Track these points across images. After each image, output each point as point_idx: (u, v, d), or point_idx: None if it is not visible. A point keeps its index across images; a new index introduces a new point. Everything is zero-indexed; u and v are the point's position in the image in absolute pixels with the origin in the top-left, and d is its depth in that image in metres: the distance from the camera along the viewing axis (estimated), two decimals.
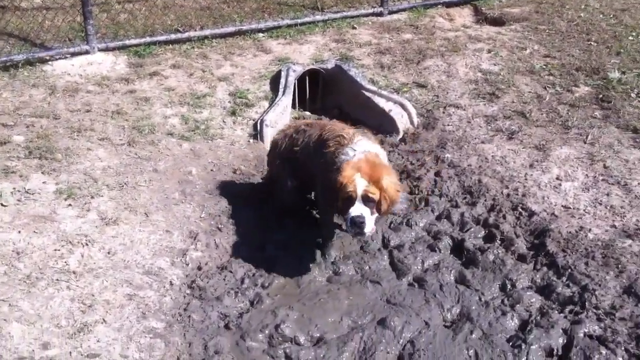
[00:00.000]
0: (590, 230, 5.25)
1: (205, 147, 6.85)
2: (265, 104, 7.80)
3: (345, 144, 4.70)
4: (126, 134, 6.66)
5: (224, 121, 7.42)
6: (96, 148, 6.27)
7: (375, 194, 4.40)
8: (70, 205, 5.27)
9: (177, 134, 6.92)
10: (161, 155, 6.44)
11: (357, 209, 4.43)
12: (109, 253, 4.81)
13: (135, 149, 6.43)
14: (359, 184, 4.40)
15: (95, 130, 6.59)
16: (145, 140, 6.64)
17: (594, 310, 4.38)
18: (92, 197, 5.43)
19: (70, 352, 3.85)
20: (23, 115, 6.65)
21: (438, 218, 5.73)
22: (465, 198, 5.99)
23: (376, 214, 4.55)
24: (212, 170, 6.47)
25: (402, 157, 6.86)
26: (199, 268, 4.92)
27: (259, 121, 7.44)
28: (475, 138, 7.06)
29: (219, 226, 5.49)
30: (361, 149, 4.61)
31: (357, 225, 4.44)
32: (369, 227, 4.49)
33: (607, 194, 5.73)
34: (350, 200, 4.45)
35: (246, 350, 4.17)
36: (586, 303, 4.45)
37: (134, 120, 6.97)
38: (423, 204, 5.95)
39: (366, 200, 4.42)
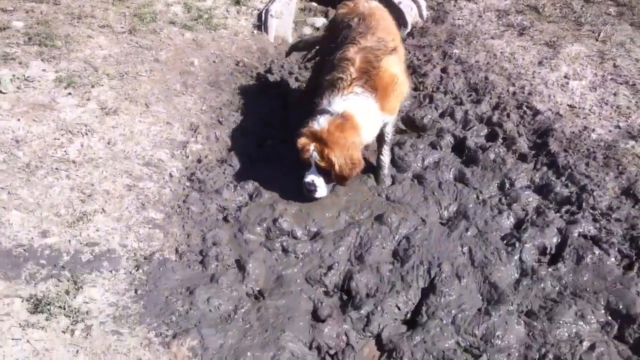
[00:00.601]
0: (594, 130, 5.18)
1: (208, 37, 6.71)
2: None
3: (335, 92, 4.43)
4: (127, 22, 6.51)
5: (227, 10, 7.23)
6: (97, 35, 6.15)
7: (327, 167, 4.33)
8: (70, 93, 5.21)
9: (180, 22, 6.76)
10: (163, 45, 6.32)
11: (310, 176, 4.42)
12: (108, 143, 4.80)
13: (137, 37, 6.30)
14: (312, 155, 4.33)
15: (96, 17, 6.45)
16: (147, 28, 6.50)
17: (591, 211, 4.38)
18: (92, 86, 5.36)
19: (70, 241, 3.90)
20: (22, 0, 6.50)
21: (441, 115, 5.66)
22: (470, 95, 5.89)
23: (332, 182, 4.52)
24: (214, 61, 6.37)
25: (409, 52, 6.71)
26: (199, 161, 4.92)
27: (263, 11, 7.24)
28: (485, 33, 6.87)
29: (220, 119, 5.45)
30: (337, 110, 4.35)
31: (308, 190, 4.47)
32: (321, 193, 4.49)
33: (615, 94, 5.61)
34: (305, 164, 4.44)
35: (244, 243, 4.22)
36: (583, 203, 4.45)
37: (135, 7, 6.80)
38: (427, 100, 5.86)
39: (320, 169, 4.38)
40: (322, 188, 4.46)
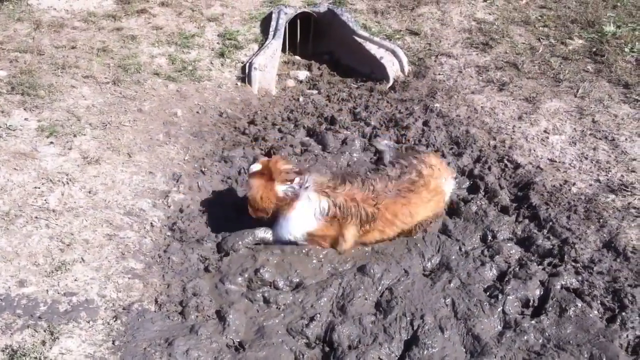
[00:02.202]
0: (574, 184, 5.23)
1: (192, 89, 6.76)
2: (255, 46, 7.68)
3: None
4: (111, 73, 6.55)
5: (212, 63, 7.31)
6: (80, 86, 6.18)
7: None
8: (52, 143, 5.20)
9: (164, 74, 6.82)
10: (146, 96, 6.35)
11: None
12: (89, 192, 4.77)
13: (120, 88, 6.34)
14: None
15: (80, 68, 6.49)
16: (131, 79, 6.54)
17: (573, 264, 4.39)
18: (75, 136, 5.35)
19: (47, 290, 3.84)
20: (7, 49, 6.54)
21: None
22: (452, 148, 5.95)
23: None
24: (198, 112, 6.40)
25: (391, 106, 6.79)
26: (181, 210, 4.89)
27: (247, 64, 7.32)
28: (466, 88, 6.99)
29: (203, 169, 5.45)
30: None
31: None
32: None
33: (594, 149, 5.70)
34: None
35: (225, 293, 4.17)
36: (565, 256, 4.46)
37: (119, 58, 6.85)
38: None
39: None
40: None
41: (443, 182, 4.74)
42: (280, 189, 4.48)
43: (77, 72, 6.37)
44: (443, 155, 5.77)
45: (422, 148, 5.91)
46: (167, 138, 5.75)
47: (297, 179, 4.53)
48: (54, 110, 5.65)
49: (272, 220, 4.61)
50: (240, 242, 4.56)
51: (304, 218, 4.44)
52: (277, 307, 4.09)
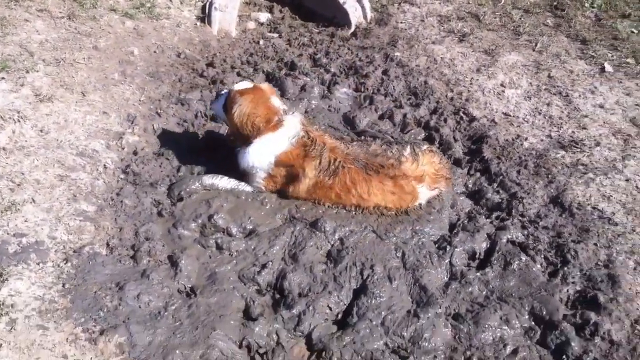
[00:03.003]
0: (526, 139, 5.33)
1: (150, 27, 6.61)
2: None
3: None
4: (66, 7, 6.34)
5: (171, 0, 7.13)
6: (34, 20, 5.97)
7: None
8: (3, 78, 5.04)
9: (121, 10, 6.64)
10: (102, 32, 6.19)
11: None
12: (41, 131, 4.67)
13: (75, 23, 6.15)
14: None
15: (34, 1, 6.25)
16: (87, 15, 6.35)
17: (520, 218, 4.51)
18: (27, 72, 5.20)
19: None
20: None
21: (381, 117, 5.72)
22: (409, 99, 5.98)
23: None
24: (155, 52, 6.28)
25: (352, 53, 6.76)
26: (135, 153, 4.83)
27: (207, 3, 7.17)
28: (427, 38, 6.98)
29: (159, 111, 5.35)
30: None
31: None
32: None
33: (548, 104, 5.79)
34: None
35: (177, 238, 4.18)
36: (513, 210, 4.58)
37: None
38: (367, 102, 5.90)
39: None
40: None
41: (419, 187, 4.52)
42: (275, 101, 4.48)
43: (31, 4, 6.14)
44: (401, 106, 5.78)
45: (380, 97, 5.91)
46: (122, 77, 5.64)
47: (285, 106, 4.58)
48: (6, 44, 5.46)
49: (239, 150, 4.59)
50: (187, 189, 4.54)
51: (279, 140, 4.42)
52: (229, 254, 4.12)
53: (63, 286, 3.61)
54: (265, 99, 4.45)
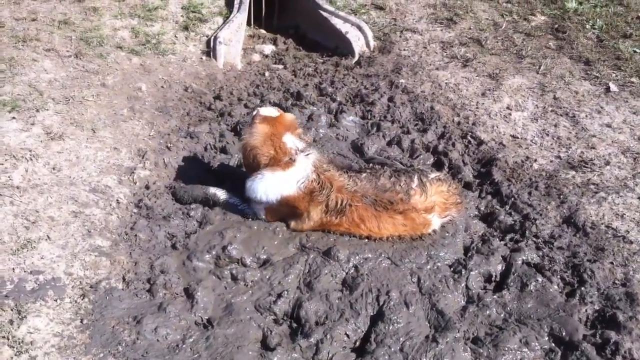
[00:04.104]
0: (535, 160, 5.35)
1: (156, 63, 6.68)
2: (220, 19, 7.61)
3: None
4: (73, 46, 6.44)
5: (176, 36, 7.22)
6: (42, 59, 6.06)
7: None
8: (14, 118, 5.10)
9: (127, 47, 6.72)
10: (110, 69, 6.26)
11: None
12: (54, 169, 4.71)
13: (83, 61, 6.24)
14: None
15: (41, 41, 6.36)
16: (94, 52, 6.44)
17: (534, 239, 4.51)
18: (37, 111, 5.26)
19: (13, 269, 3.80)
20: None
21: (389, 144, 5.75)
22: (416, 124, 6.01)
23: None
24: (162, 87, 6.34)
25: (357, 81, 6.82)
26: (147, 187, 4.86)
27: (212, 38, 7.26)
28: (430, 64, 7.04)
29: (169, 145, 5.40)
30: None
31: None
32: None
33: (555, 125, 5.82)
34: None
35: (192, 271, 4.18)
36: (526, 232, 4.58)
37: (81, 31, 6.73)
38: (375, 129, 5.94)
39: None
40: None
41: (430, 217, 4.50)
42: (289, 140, 4.46)
43: (39, 45, 6.24)
44: (408, 132, 5.81)
45: (387, 124, 5.94)
46: (131, 113, 5.69)
47: (304, 144, 4.54)
48: (15, 84, 5.53)
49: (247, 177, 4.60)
50: (191, 193, 4.73)
51: (288, 181, 4.40)
52: (244, 284, 4.12)
53: (81, 322, 3.61)
54: (279, 135, 4.44)
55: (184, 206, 4.74)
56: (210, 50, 7.17)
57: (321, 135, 5.83)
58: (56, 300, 3.69)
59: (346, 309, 3.96)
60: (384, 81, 6.72)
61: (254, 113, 4.66)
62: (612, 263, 4.19)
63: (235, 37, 7.34)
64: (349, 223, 4.44)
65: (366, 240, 4.48)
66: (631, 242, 4.38)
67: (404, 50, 7.37)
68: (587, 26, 7.60)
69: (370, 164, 5.08)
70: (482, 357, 3.64)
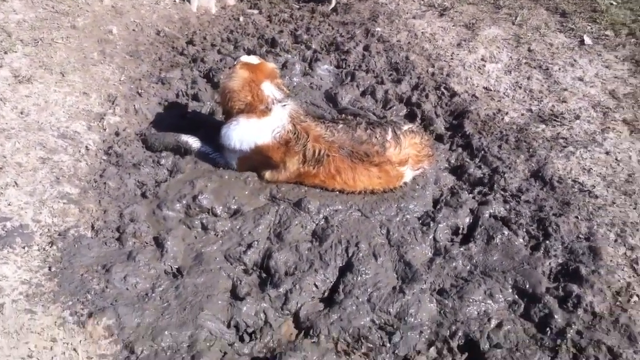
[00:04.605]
0: (507, 113, 5.37)
1: (128, 5, 6.53)
2: None
3: None
4: None
5: None
6: None
7: None
8: None
9: None
10: (80, 11, 6.11)
11: None
12: (22, 113, 4.62)
13: (53, 2, 6.08)
14: None
15: None
16: None
17: (502, 192, 4.56)
18: (5, 52, 5.13)
19: None
20: None
21: (363, 94, 5.73)
22: (391, 75, 5.99)
23: None
24: (134, 30, 6.21)
25: (333, 29, 6.74)
26: (117, 134, 4.80)
27: None
28: (407, 12, 6.97)
29: (139, 91, 5.33)
30: None
31: None
32: None
33: (528, 78, 5.83)
34: None
35: (162, 219, 4.18)
36: (495, 185, 4.63)
37: None
38: (349, 78, 5.90)
39: None
40: None
41: (404, 169, 4.54)
42: (267, 88, 4.42)
43: None
44: (382, 82, 5.78)
45: (362, 74, 5.90)
46: (102, 57, 5.58)
47: (281, 94, 4.49)
48: None
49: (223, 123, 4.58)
50: (163, 140, 4.72)
51: (262, 130, 4.38)
52: (215, 234, 4.14)
53: (49, 269, 3.60)
54: (258, 82, 4.39)
55: (154, 154, 4.70)
56: None
57: (295, 84, 5.78)
58: (24, 248, 3.67)
59: (315, 259, 4.00)
60: (360, 29, 6.65)
61: (235, 61, 4.60)
62: (577, 217, 4.26)
63: None
64: (325, 174, 4.44)
65: (337, 192, 4.49)
66: (597, 197, 4.45)
67: None
68: None
69: (343, 115, 5.07)
70: (447, 308, 3.71)
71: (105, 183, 4.33)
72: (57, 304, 3.42)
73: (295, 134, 4.36)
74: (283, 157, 4.42)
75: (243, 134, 4.40)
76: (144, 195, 4.35)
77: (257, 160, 4.52)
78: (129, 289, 3.63)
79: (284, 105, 4.44)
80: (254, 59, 4.55)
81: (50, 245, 3.75)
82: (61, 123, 4.68)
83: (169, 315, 3.51)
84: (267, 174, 4.55)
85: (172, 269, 3.88)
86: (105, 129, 4.80)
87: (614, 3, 7.07)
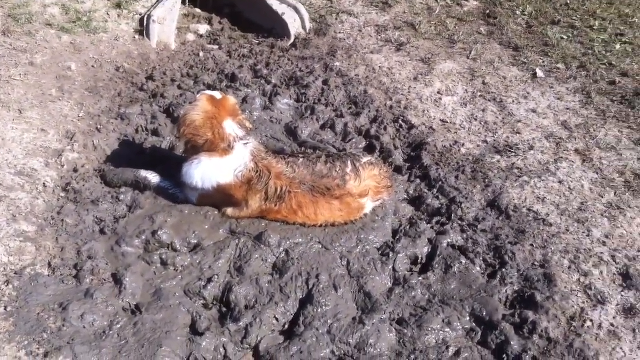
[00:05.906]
0: (463, 145, 5.49)
1: (87, 41, 6.54)
2: None
3: None
4: (1, 23, 6.25)
5: (108, 14, 7.07)
6: None
7: None
8: None
9: (57, 25, 6.55)
10: (38, 48, 6.11)
11: None
12: None
13: (11, 39, 6.06)
14: None
15: None
16: (22, 30, 6.26)
17: (459, 222, 4.64)
18: None
19: None
20: None
21: (322, 127, 5.79)
22: (350, 108, 6.07)
23: None
24: (93, 66, 6.22)
25: (292, 64, 6.82)
26: (75, 170, 4.77)
27: (145, 16, 7.14)
28: (365, 48, 7.10)
29: (98, 126, 5.31)
30: None
31: None
32: None
33: (483, 110, 5.97)
34: None
35: (121, 256, 4.15)
36: (452, 215, 4.70)
37: (10, 7, 6.53)
38: (309, 112, 5.97)
39: None
40: None
41: (364, 201, 4.58)
42: (229, 126, 4.39)
43: None
44: (342, 115, 5.86)
45: (322, 107, 5.97)
46: (60, 93, 5.57)
47: (243, 132, 4.48)
48: None
49: (184, 160, 4.55)
50: (121, 176, 4.70)
51: (224, 169, 4.36)
52: (174, 269, 4.12)
53: (5, 309, 3.55)
54: (220, 119, 4.37)
55: (113, 190, 4.68)
56: (143, 29, 7.05)
57: (255, 118, 5.82)
58: None
59: (276, 292, 4.01)
60: (319, 64, 6.74)
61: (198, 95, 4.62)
62: (532, 245, 4.36)
63: (169, 15, 7.23)
64: (287, 210, 4.44)
65: (298, 225, 4.52)
66: (551, 225, 4.55)
67: (340, 33, 7.41)
68: (518, 12, 7.80)
69: (303, 148, 5.12)
70: (407, 338, 3.74)
71: (62, 220, 4.29)
72: (12, 344, 3.37)
73: (257, 172, 4.37)
74: (245, 196, 4.43)
75: (205, 172, 4.40)
76: (102, 231, 4.32)
77: (219, 199, 4.52)
78: (86, 327, 3.59)
79: (246, 143, 4.44)
80: (217, 94, 4.57)
81: (6, 284, 3.70)
82: (18, 160, 4.64)
83: (126, 353, 3.48)
84: (229, 211, 4.54)
85: (130, 306, 3.84)
86: (63, 166, 4.77)
87: (565, 37, 7.30)
